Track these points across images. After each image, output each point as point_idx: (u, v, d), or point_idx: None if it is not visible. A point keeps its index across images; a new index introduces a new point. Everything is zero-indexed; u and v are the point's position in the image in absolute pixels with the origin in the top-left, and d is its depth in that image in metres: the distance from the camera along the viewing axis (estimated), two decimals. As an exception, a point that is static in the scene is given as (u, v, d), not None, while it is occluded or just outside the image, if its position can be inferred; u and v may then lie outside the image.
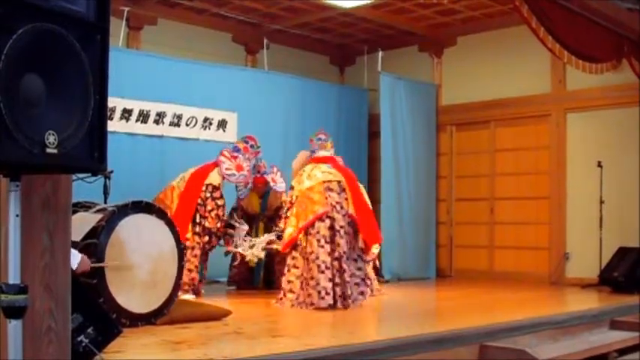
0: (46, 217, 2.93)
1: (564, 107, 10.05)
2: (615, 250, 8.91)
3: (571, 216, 9.94)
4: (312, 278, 6.65)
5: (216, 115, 9.50)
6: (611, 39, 8.45)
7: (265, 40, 10.48)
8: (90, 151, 2.61)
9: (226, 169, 7.57)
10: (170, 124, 9.07)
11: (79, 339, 3.47)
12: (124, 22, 9.00)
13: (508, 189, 10.54)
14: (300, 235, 6.77)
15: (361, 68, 11.58)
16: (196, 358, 4.10)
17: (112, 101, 7.95)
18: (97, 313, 3.65)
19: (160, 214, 5.47)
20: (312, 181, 6.95)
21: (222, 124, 9.55)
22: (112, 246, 5.01)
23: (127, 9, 8.94)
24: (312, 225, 6.72)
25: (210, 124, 9.45)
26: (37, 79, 2.42)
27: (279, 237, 7.46)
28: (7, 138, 2.29)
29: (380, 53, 10.45)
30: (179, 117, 9.14)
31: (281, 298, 6.85)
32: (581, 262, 9.67)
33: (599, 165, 9.24)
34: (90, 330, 3.52)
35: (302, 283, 6.75)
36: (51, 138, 2.42)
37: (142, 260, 5.23)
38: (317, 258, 6.64)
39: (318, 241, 6.69)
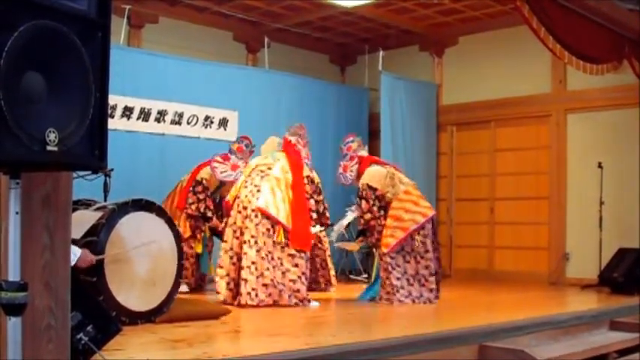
0: (46, 214, 2.93)
1: (565, 108, 10.05)
2: (615, 250, 8.91)
3: (571, 216, 9.94)
4: (423, 276, 7.18)
5: (217, 114, 9.51)
6: (611, 39, 8.45)
7: (266, 39, 10.48)
8: (90, 149, 2.60)
9: (221, 172, 7.85)
10: (171, 123, 9.07)
11: (78, 337, 3.46)
12: (125, 20, 9.00)
13: (508, 189, 10.54)
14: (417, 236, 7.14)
15: (362, 67, 11.59)
16: (195, 357, 4.09)
17: (113, 99, 8.02)
18: (97, 311, 3.65)
19: (160, 212, 5.46)
20: (405, 186, 7.35)
21: (223, 122, 9.55)
22: (111, 244, 5.01)
23: (128, 7, 8.93)
24: (423, 227, 7.18)
25: (212, 122, 9.45)
26: (37, 76, 2.42)
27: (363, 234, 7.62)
28: (8, 135, 2.29)
29: (381, 52, 10.44)
30: (180, 115, 9.15)
31: (390, 293, 7.12)
32: (580, 263, 9.67)
33: (600, 166, 9.24)
34: (89, 328, 3.52)
35: (408, 280, 7.13)
36: (51, 135, 2.42)
37: (142, 258, 5.23)
38: (423, 257, 7.22)
39: (424, 243, 7.19)
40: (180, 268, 5.60)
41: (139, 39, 9.56)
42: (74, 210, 3.76)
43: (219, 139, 9.42)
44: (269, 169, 7.04)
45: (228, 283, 6.72)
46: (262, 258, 6.60)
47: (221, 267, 6.78)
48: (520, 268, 10.24)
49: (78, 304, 3.35)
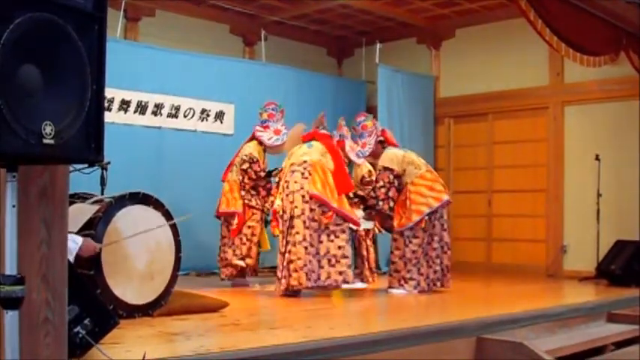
0: (43, 208, 2.92)
1: (562, 100, 10.05)
2: (613, 243, 8.92)
3: (568, 209, 9.95)
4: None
5: (214, 107, 9.49)
6: (609, 32, 8.44)
7: (263, 32, 10.46)
8: (87, 142, 2.60)
9: (268, 139, 7.69)
10: (168, 116, 9.06)
11: (75, 330, 3.46)
12: (121, 13, 8.97)
13: (506, 181, 10.55)
14: None
15: (359, 60, 11.57)
16: (193, 350, 4.09)
17: (110, 92, 8.00)
18: (94, 305, 3.64)
19: (157, 205, 5.44)
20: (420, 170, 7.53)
21: (220, 115, 9.54)
22: (108, 237, 5.00)
23: (124, 0, 8.91)
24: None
25: (208, 115, 9.44)
26: (34, 69, 2.41)
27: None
28: (4, 128, 2.28)
29: (378, 45, 10.43)
30: (177, 108, 9.13)
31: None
32: (578, 255, 9.68)
33: (597, 158, 9.24)
34: (87, 321, 3.52)
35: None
36: (48, 128, 2.41)
37: (140, 251, 5.22)
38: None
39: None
40: (178, 260, 5.58)
41: (135, 32, 9.54)
42: (71, 203, 3.76)
43: (216, 132, 9.42)
44: None
45: None
46: None
47: None
48: (518, 261, 10.25)
49: (75, 298, 3.35)
